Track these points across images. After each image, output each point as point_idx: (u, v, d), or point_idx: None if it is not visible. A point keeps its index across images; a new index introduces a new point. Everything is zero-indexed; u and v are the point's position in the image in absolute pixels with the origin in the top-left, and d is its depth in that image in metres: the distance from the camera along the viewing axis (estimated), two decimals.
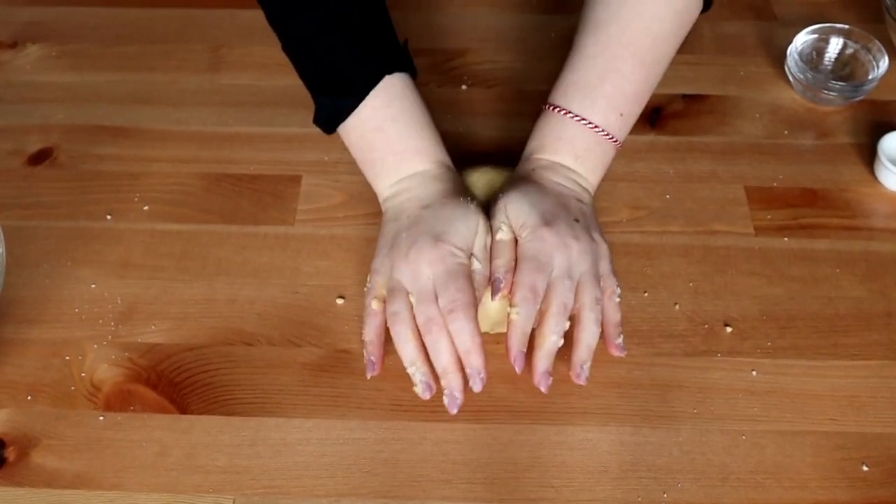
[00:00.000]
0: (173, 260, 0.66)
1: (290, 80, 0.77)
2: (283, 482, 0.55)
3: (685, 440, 0.56)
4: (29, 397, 0.58)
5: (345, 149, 0.73)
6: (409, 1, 0.86)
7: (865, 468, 0.55)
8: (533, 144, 0.64)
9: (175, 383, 0.59)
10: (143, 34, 0.83)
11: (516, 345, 0.55)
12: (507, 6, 0.87)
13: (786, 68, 0.78)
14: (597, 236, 0.60)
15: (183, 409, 0.58)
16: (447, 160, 0.64)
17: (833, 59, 0.79)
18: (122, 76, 0.79)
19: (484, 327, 0.59)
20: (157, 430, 0.57)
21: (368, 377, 0.58)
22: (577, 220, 0.59)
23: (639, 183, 0.71)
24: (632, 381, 0.59)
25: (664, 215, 0.69)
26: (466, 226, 0.58)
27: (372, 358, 0.58)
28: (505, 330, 0.57)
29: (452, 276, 0.56)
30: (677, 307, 0.63)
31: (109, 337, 0.61)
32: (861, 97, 0.76)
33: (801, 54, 0.77)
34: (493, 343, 0.60)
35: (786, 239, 0.67)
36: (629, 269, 0.65)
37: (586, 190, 0.63)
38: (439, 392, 0.58)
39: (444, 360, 0.55)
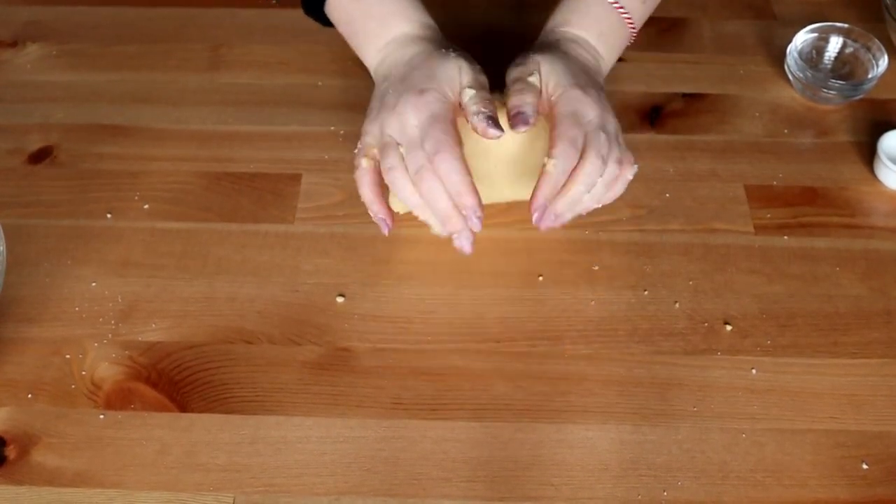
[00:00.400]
0: (173, 258, 0.66)
1: (290, 79, 0.77)
2: (283, 480, 0.55)
3: (685, 438, 0.56)
4: (29, 395, 0.58)
5: (345, 147, 0.73)
6: None
7: (865, 466, 0.55)
8: (558, 18, 0.66)
9: (175, 381, 0.59)
10: (143, 33, 0.83)
11: (544, 194, 0.56)
12: (506, 5, 0.87)
13: (785, 67, 0.78)
14: (608, 105, 0.61)
15: (183, 408, 0.58)
16: (429, 20, 0.65)
17: (833, 58, 0.79)
18: (121, 75, 0.79)
19: (487, 197, 0.59)
20: (158, 429, 0.57)
21: (385, 233, 0.61)
22: (601, 90, 0.61)
23: (639, 181, 0.70)
24: (632, 380, 0.59)
25: (664, 214, 0.69)
26: (447, 71, 0.59)
27: (380, 215, 0.60)
28: (508, 199, 0.59)
29: (434, 119, 0.57)
30: (677, 305, 0.63)
31: (110, 335, 0.61)
32: (861, 96, 0.76)
33: (800, 53, 0.77)
34: (493, 342, 0.61)
35: (786, 237, 0.67)
36: (629, 267, 0.65)
37: (603, 71, 0.65)
38: (440, 392, 0.58)
39: (441, 206, 0.56)
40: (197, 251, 0.66)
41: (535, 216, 0.57)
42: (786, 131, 0.75)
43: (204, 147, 0.73)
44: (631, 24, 0.65)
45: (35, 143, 0.73)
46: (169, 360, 0.60)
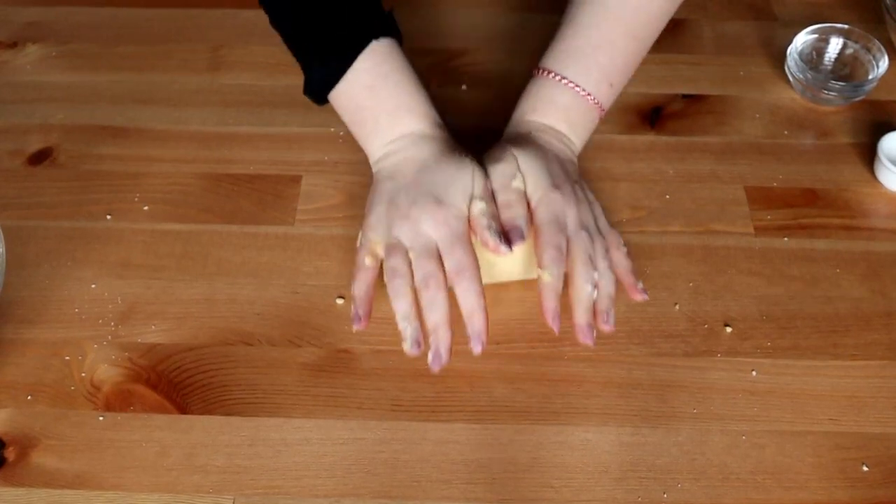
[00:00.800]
0: (173, 260, 0.66)
1: (290, 80, 0.77)
2: (282, 482, 0.55)
3: (685, 440, 0.56)
4: (29, 397, 0.58)
5: (345, 149, 0.73)
6: (409, 1, 0.86)
7: (865, 468, 0.55)
8: (525, 106, 0.65)
9: (175, 383, 0.59)
10: (143, 34, 0.83)
11: (552, 305, 0.56)
12: (506, 6, 0.87)
13: (786, 68, 0.78)
14: (591, 196, 0.63)
15: (183, 409, 0.58)
16: (439, 119, 0.65)
17: (833, 59, 0.79)
18: (121, 76, 0.79)
19: (498, 276, 0.61)
20: (157, 430, 0.57)
21: (355, 330, 0.59)
22: (576, 183, 0.62)
23: (639, 183, 0.71)
24: (632, 382, 0.59)
25: (664, 215, 0.69)
26: (464, 184, 0.59)
27: (360, 312, 0.58)
28: (503, 279, 0.61)
29: (457, 238, 0.57)
30: (677, 307, 0.63)
31: (109, 337, 0.61)
32: (861, 97, 0.76)
33: (800, 54, 0.77)
34: (493, 344, 0.61)
35: (786, 239, 0.67)
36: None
37: (575, 155, 0.65)
38: (440, 394, 0.58)
39: (436, 317, 0.56)
40: (197, 253, 0.66)
41: (554, 327, 0.56)
42: (786, 132, 0.75)
43: (204, 148, 0.73)
44: (599, 107, 0.65)
45: (35, 144, 0.73)
46: (169, 362, 0.60)
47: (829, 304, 0.63)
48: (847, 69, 0.78)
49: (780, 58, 0.80)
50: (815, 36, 0.78)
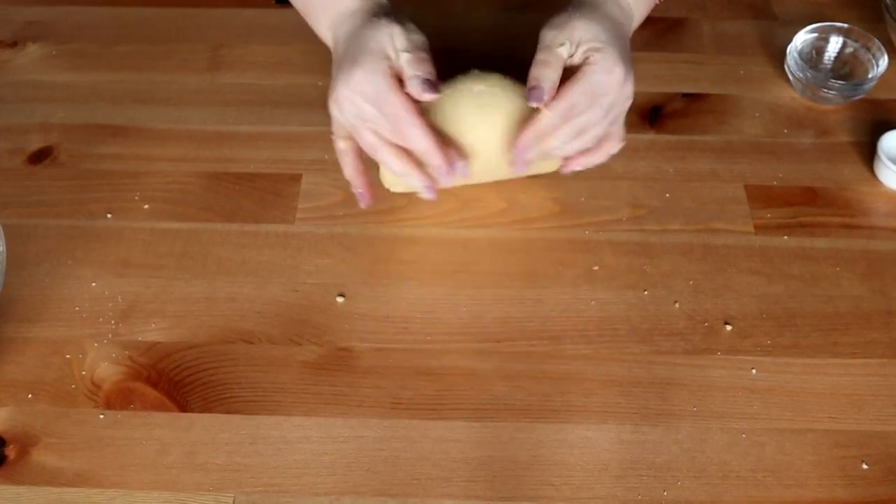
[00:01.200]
0: (173, 258, 0.66)
1: (290, 79, 0.77)
2: (283, 480, 0.55)
3: (685, 438, 0.56)
4: (29, 395, 0.58)
5: None
6: (409, 1, 0.86)
7: (865, 466, 0.55)
8: None
9: (175, 381, 0.59)
10: (143, 33, 0.83)
11: (526, 139, 0.59)
12: (506, 5, 0.87)
13: (785, 67, 0.78)
14: (632, 77, 0.61)
15: (183, 408, 0.58)
16: None
17: (833, 58, 0.79)
18: (122, 75, 0.79)
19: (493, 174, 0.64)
20: (158, 429, 0.57)
21: (363, 206, 0.64)
22: (629, 57, 0.61)
23: (639, 181, 0.71)
24: (632, 380, 0.59)
25: (664, 214, 0.69)
26: (378, 40, 0.59)
27: (361, 189, 0.63)
28: (476, 181, 0.63)
29: (380, 94, 0.58)
30: (677, 305, 0.63)
31: (110, 335, 0.61)
32: (861, 96, 0.76)
33: (800, 53, 0.77)
34: (494, 342, 0.61)
35: (786, 237, 0.67)
36: (629, 267, 0.65)
37: (631, 30, 0.65)
38: (440, 392, 0.58)
39: (422, 144, 0.58)
40: (197, 251, 0.66)
41: (515, 158, 0.60)
42: (786, 131, 0.75)
43: (204, 147, 0.73)
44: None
45: (35, 144, 0.73)
46: (169, 360, 0.60)
47: (829, 302, 0.63)
48: (847, 68, 0.78)
49: (779, 57, 0.80)
50: (815, 35, 0.78)
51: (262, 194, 0.70)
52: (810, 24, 0.78)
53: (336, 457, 0.56)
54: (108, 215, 0.68)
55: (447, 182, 0.61)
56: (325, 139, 0.73)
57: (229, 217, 0.68)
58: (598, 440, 0.56)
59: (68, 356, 0.60)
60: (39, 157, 0.72)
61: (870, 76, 0.76)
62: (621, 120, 0.62)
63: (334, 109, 0.61)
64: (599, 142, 0.62)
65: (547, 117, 0.58)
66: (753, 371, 0.60)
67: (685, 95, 0.78)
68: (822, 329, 0.62)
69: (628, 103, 0.61)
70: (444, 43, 0.82)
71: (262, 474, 0.55)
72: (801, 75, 0.76)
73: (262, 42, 0.82)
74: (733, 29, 0.84)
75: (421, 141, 0.58)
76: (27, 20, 0.85)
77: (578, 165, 0.64)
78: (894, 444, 0.56)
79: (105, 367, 0.60)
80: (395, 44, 0.59)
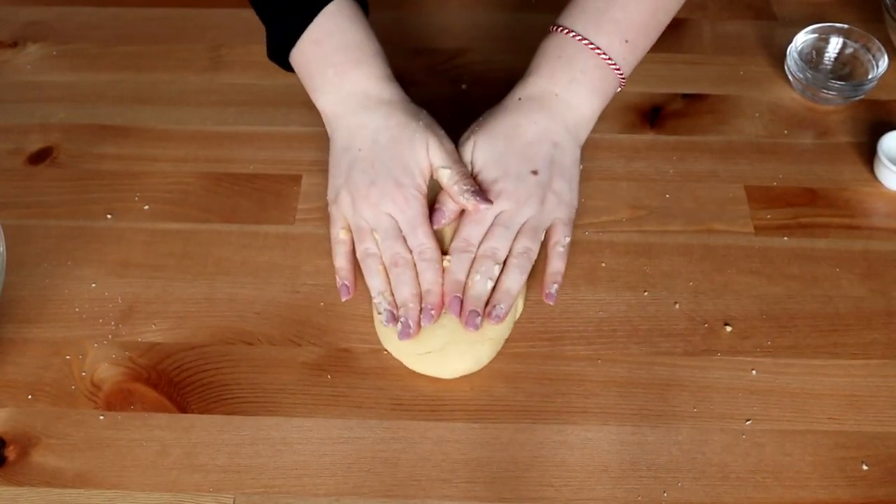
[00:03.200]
0: (173, 259, 0.66)
1: (290, 80, 0.77)
2: (283, 481, 0.55)
3: (685, 439, 0.56)
4: (29, 396, 0.58)
5: None
6: (409, 1, 0.86)
7: (865, 467, 0.55)
8: (531, 65, 0.65)
9: (175, 382, 0.59)
10: (143, 34, 0.83)
11: (450, 291, 0.59)
12: (506, 5, 0.87)
13: (786, 68, 0.78)
14: (559, 185, 0.62)
15: (183, 409, 0.58)
16: (391, 76, 0.65)
17: (833, 59, 0.79)
18: (122, 76, 0.79)
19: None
20: (158, 430, 0.57)
21: (343, 300, 0.62)
22: (534, 173, 0.61)
23: (639, 182, 0.71)
24: (632, 381, 0.59)
25: (664, 215, 0.69)
26: (418, 159, 0.61)
27: (346, 283, 0.62)
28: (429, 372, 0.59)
29: (417, 220, 0.60)
30: (677, 306, 0.63)
31: (110, 336, 0.61)
32: (861, 97, 0.76)
33: (800, 54, 0.77)
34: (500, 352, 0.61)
35: (786, 238, 0.67)
36: (629, 268, 0.65)
37: (569, 131, 0.63)
38: (440, 393, 0.58)
39: (405, 293, 0.59)
40: (197, 252, 0.66)
41: (451, 311, 0.59)
42: (786, 132, 0.75)
43: (204, 147, 0.73)
44: (613, 65, 0.63)
45: (35, 144, 0.73)
46: (169, 361, 0.60)
47: (829, 303, 0.63)
48: (847, 69, 0.78)
49: (779, 57, 0.80)
50: (815, 35, 0.78)
51: (262, 195, 0.70)
52: (810, 24, 0.78)
53: (336, 458, 0.56)
54: (109, 216, 0.68)
55: (412, 315, 0.59)
56: (325, 140, 0.73)
57: (229, 218, 0.68)
58: (598, 441, 0.56)
59: (68, 357, 0.60)
60: (39, 157, 0.72)
61: (870, 77, 0.76)
62: (561, 222, 0.62)
63: (344, 201, 0.62)
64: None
65: (448, 260, 0.60)
66: (753, 372, 0.60)
67: (685, 96, 0.78)
68: (822, 330, 0.62)
69: (530, 211, 0.61)
70: (440, 43, 0.83)
71: (262, 475, 0.55)
72: (801, 76, 0.76)
73: (262, 42, 0.81)
74: (733, 29, 0.84)
75: (432, 277, 0.59)
76: (27, 20, 0.85)
77: (550, 287, 0.61)
78: (895, 444, 0.56)
79: (105, 368, 0.59)
80: (432, 158, 0.61)
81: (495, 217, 0.61)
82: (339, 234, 0.63)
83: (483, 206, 0.60)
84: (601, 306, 0.63)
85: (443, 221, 0.62)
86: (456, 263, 0.60)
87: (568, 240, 0.62)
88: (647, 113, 0.76)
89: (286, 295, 0.64)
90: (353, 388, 0.59)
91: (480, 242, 0.61)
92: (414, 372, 0.59)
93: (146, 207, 0.69)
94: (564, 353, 0.60)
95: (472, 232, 0.61)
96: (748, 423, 0.57)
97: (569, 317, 0.62)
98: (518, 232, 0.61)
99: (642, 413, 0.58)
